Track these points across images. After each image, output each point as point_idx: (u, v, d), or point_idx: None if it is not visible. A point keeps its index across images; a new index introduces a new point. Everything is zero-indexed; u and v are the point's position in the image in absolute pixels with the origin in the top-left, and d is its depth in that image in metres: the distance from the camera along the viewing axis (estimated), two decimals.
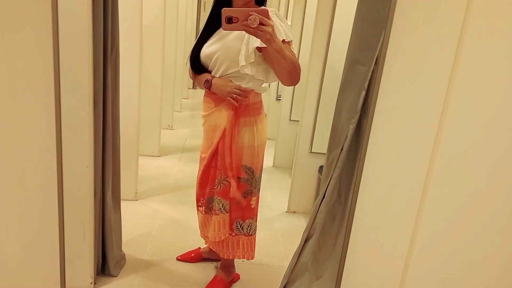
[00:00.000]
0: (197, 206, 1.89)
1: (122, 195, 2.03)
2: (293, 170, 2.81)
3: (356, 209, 1.18)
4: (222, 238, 1.80)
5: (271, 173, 3.68)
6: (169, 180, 3.24)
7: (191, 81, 7.72)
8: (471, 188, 0.87)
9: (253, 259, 1.88)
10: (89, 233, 1.73)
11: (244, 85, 1.63)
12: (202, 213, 1.85)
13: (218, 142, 1.69)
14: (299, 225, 2.69)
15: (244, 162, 1.71)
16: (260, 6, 1.59)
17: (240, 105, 1.64)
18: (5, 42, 0.94)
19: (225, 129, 1.66)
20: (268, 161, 3.89)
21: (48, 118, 1.00)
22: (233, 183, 1.70)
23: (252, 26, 1.35)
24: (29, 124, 1.01)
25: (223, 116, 1.66)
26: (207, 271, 2.06)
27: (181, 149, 4.10)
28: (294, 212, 2.88)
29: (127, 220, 2.43)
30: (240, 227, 1.80)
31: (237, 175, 1.71)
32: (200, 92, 1.70)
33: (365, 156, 1.09)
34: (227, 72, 1.62)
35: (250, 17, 1.34)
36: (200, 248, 2.17)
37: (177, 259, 2.12)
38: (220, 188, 1.74)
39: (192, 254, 2.14)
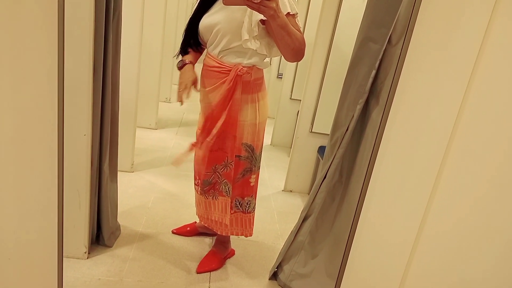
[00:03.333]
0: (194, 184, 1.84)
1: (119, 166, 2.00)
2: (292, 149, 2.78)
3: (367, 191, 1.15)
4: (227, 222, 1.76)
5: (269, 151, 3.65)
6: (166, 153, 3.20)
7: None
8: (487, 168, 0.85)
9: (251, 236, 1.87)
10: (84, 202, 1.70)
11: (246, 60, 1.56)
12: (198, 193, 1.81)
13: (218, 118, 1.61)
14: (295, 204, 2.69)
15: (245, 140, 1.66)
16: None
17: (242, 81, 1.58)
18: (9, 3, 0.88)
19: (225, 106, 1.58)
20: (266, 139, 3.84)
21: (51, 81, 0.95)
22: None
23: (255, 1, 1.27)
24: (31, 86, 0.95)
25: (222, 91, 1.57)
26: (202, 246, 2.05)
27: (178, 123, 4.05)
28: (291, 191, 2.87)
29: (122, 191, 2.40)
30: (239, 204, 1.78)
31: (237, 153, 1.67)
32: (200, 66, 1.66)
33: (381, 138, 1.05)
34: (229, 46, 1.53)
35: None
36: (195, 222, 2.16)
37: (173, 232, 2.11)
38: (226, 170, 1.69)
39: (188, 228, 2.13)
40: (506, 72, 0.79)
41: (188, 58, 1.67)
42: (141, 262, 1.85)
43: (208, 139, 1.63)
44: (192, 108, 4.61)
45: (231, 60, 1.55)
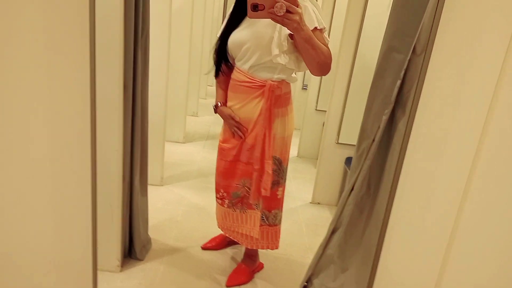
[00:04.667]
0: (217, 197, 1.84)
1: (148, 180, 2.05)
2: (319, 161, 2.77)
3: (394, 203, 1.13)
4: (257, 236, 1.77)
5: (295, 163, 3.64)
6: (194, 166, 3.26)
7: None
8: None
9: (277, 249, 1.87)
10: (117, 216, 1.75)
11: (276, 75, 1.58)
12: (224, 206, 1.80)
13: (250, 135, 1.65)
14: (324, 216, 2.66)
15: (274, 153, 1.68)
16: None
17: (274, 95, 1.59)
18: (46, 25, 0.94)
19: (256, 121, 1.61)
20: (293, 151, 3.84)
21: (84, 99, 1.00)
22: (266, 175, 1.66)
23: (279, 14, 1.29)
24: (65, 105, 1.01)
25: (255, 107, 1.61)
26: (231, 259, 2.06)
27: (205, 136, 4.11)
28: (318, 203, 2.85)
29: (152, 205, 2.45)
30: (266, 218, 1.79)
31: (266, 167, 1.67)
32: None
33: (405, 151, 1.04)
34: (260, 62, 1.55)
35: (276, 4, 1.28)
36: (224, 235, 2.18)
37: (203, 249, 2.11)
38: (256, 189, 1.70)
39: (217, 241, 2.14)
40: None
41: (218, 99, 1.76)
42: (171, 275, 1.88)
43: (225, 145, 1.73)
44: (219, 121, 4.67)
45: (262, 75, 1.57)
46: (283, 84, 1.61)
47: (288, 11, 1.29)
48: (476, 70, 0.88)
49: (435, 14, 0.96)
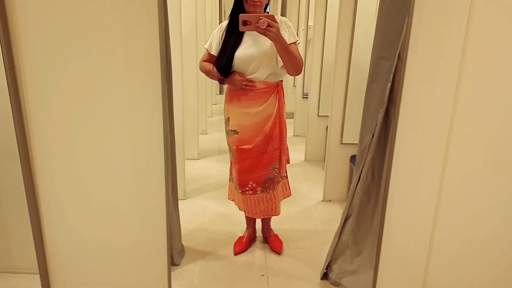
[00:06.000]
0: (244, 191, 2.15)
1: None
2: (326, 161, 3.01)
3: (389, 189, 1.42)
4: (290, 195, 2.30)
5: (304, 167, 3.89)
6: (211, 179, 3.51)
7: (219, 87, 8.01)
8: (488, 159, 1.08)
9: (291, 195, 2.32)
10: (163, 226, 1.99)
11: (279, 78, 2.08)
12: (258, 193, 2.15)
13: (270, 126, 2.06)
14: (335, 211, 2.90)
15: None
16: (265, 12, 2.02)
17: (280, 89, 2.09)
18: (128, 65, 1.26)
19: (276, 113, 2.07)
20: (300, 156, 4.11)
21: (158, 125, 1.34)
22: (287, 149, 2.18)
23: (262, 27, 1.75)
24: (144, 137, 1.37)
25: (272, 104, 2.05)
26: (254, 254, 2.30)
27: (217, 152, 4.37)
28: (330, 200, 3.08)
29: (180, 216, 2.69)
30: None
31: (284, 146, 2.15)
32: None
33: (394, 143, 1.33)
34: (272, 72, 2.00)
35: (260, 20, 1.75)
36: (244, 236, 2.42)
37: (235, 254, 2.32)
38: (280, 164, 2.15)
39: (243, 241, 2.38)
40: (484, 75, 1.04)
41: (217, 74, 2.09)
42: (206, 274, 2.11)
43: (246, 146, 2.09)
44: None
45: (272, 79, 2.05)
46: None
47: (268, 25, 1.76)
48: (441, 71, 1.16)
49: (406, 27, 1.24)
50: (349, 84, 2.78)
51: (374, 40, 1.72)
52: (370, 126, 1.78)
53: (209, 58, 2.12)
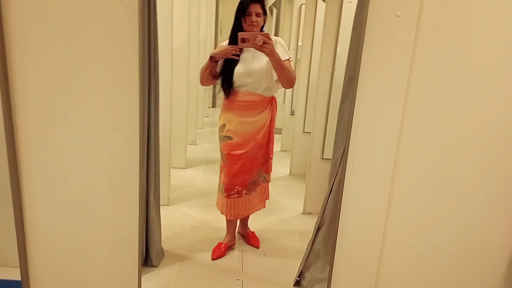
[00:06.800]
0: (229, 195, 2.33)
1: None
2: (307, 175, 3.13)
3: (343, 196, 1.59)
4: (268, 198, 2.55)
5: (287, 181, 4.00)
6: (196, 188, 3.61)
7: (211, 100, 8.16)
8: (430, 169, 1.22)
9: (268, 199, 2.57)
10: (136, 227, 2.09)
11: (273, 92, 2.31)
12: (242, 196, 2.37)
13: (261, 135, 2.29)
14: (314, 224, 2.99)
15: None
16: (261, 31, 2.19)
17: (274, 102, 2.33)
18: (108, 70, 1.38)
19: (269, 124, 2.31)
20: (285, 170, 4.23)
21: (133, 134, 1.45)
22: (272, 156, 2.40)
23: (258, 44, 1.98)
24: (122, 139, 1.50)
25: (266, 115, 2.28)
26: (231, 260, 2.39)
27: (204, 162, 4.48)
28: (309, 213, 3.19)
29: (162, 221, 2.74)
30: (265, 179, 2.48)
31: (272, 152, 2.38)
32: (220, 111, 2.17)
33: (348, 150, 1.51)
34: (267, 86, 2.21)
35: (257, 38, 1.97)
36: (223, 243, 2.51)
37: (213, 259, 2.41)
38: (267, 166, 2.41)
39: (222, 248, 2.47)
40: (427, 92, 1.21)
41: (208, 59, 2.24)
42: (183, 276, 2.20)
43: (238, 151, 2.27)
44: (216, 148, 5.05)
45: (268, 93, 2.26)
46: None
47: (264, 42, 1.97)
48: (388, 91, 1.33)
49: (359, 50, 1.44)
50: (330, 102, 2.92)
51: (346, 62, 1.87)
52: (342, 140, 1.90)
53: None
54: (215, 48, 2.31)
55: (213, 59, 2.21)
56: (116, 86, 1.44)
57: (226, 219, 2.50)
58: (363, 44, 1.44)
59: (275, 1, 5.93)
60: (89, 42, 1.40)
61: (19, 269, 1.67)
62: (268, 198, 2.56)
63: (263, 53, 2.03)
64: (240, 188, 2.35)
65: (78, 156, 1.54)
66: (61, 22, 1.38)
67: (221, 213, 2.42)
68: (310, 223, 2.99)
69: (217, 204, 2.46)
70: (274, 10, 5.83)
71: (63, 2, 1.37)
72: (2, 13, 1.36)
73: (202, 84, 2.36)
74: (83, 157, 1.54)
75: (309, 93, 3.76)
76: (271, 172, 2.49)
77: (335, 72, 2.88)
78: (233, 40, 2.20)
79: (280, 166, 4.30)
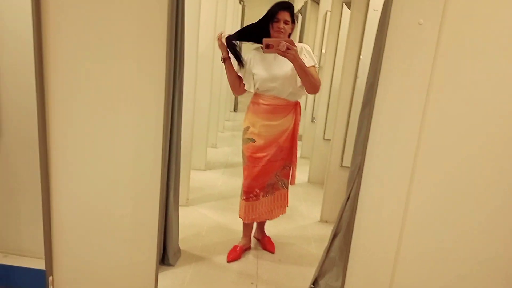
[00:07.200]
0: (248, 197, 2.35)
1: None
2: (326, 183, 3.12)
3: (358, 199, 1.59)
4: (287, 205, 2.55)
5: (306, 187, 3.99)
6: (215, 190, 3.65)
7: (233, 104, 8.23)
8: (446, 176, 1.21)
9: (288, 206, 2.58)
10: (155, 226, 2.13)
11: (298, 97, 2.33)
12: (260, 198, 2.39)
13: (284, 139, 2.32)
14: (330, 232, 2.97)
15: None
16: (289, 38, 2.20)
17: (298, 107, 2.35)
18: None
19: (293, 127, 2.33)
20: (303, 176, 4.22)
21: (157, 134, 1.49)
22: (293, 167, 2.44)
23: (282, 50, 1.98)
24: (147, 144, 1.59)
25: (290, 119, 2.31)
26: (246, 263, 2.40)
27: (224, 165, 4.52)
28: (326, 221, 3.17)
29: (180, 222, 2.79)
30: (284, 185, 2.50)
31: (294, 158, 2.41)
32: (241, 115, 2.19)
33: (365, 157, 1.52)
34: (289, 92, 2.23)
35: (281, 44, 1.97)
36: (238, 245, 2.53)
37: (228, 262, 2.43)
38: (284, 172, 2.43)
39: (237, 249, 2.49)
40: (449, 94, 1.20)
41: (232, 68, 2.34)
42: (199, 277, 2.22)
43: (260, 154, 2.30)
44: (236, 152, 5.09)
45: (292, 98, 2.29)
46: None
47: (288, 48, 1.97)
48: (408, 98, 1.32)
49: (379, 57, 1.43)
50: (352, 109, 2.91)
51: (369, 69, 1.87)
52: (361, 148, 1.90)
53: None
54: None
55: (222, 59, 2.27)
56: (142, 87, 1.50)
57: (243, 222, 2.51)
58: (383, 51, 1.44)
59: (301, 8, 5.96)
60: (119, 43, 1.47)
61: (43, 260, 1.75)
62: (288, 205, 2.56)
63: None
64: (258, 191, 2.37)
65: (104, 154, 1.61)
66: (93, 26, 1.46)
67: (239, 217, 2.43)
68: (327, 231, 2.98)
69: (239, 211, 2.45)
70: (300, 17, 5.86)
71: (95, 6, 1.44)
72: (41, 13, 1.44)
73: (237, 94, 2.43)
74: (108, 154, 1.61)
75: (330, 100, 3.75)
76: (295, 179, 2.51)
77: (357, 79, 2.87)
78: (236, 36, 2.24)
79: (299, 173, 4.26)
